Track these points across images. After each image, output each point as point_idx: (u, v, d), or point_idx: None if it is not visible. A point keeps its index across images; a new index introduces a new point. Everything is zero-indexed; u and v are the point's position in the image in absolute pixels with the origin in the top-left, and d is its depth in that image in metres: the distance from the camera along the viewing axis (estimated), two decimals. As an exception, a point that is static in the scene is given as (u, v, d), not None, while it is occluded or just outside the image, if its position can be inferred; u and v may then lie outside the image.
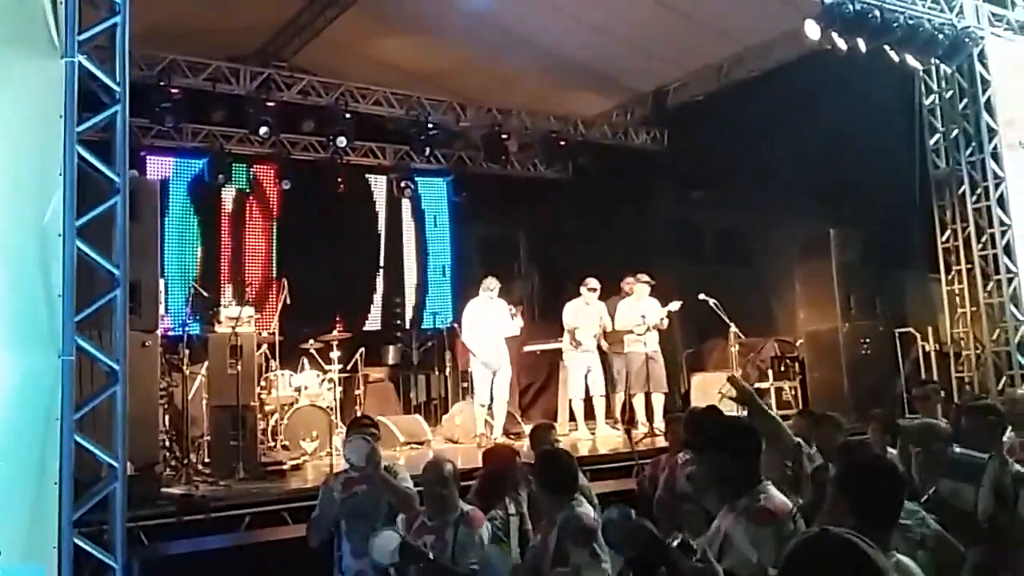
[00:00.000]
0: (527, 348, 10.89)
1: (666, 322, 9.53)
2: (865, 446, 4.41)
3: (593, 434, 9.43)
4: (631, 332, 9.45)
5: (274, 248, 12.10)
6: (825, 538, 1.84)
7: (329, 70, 11.00)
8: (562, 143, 12.48)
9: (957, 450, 4.06)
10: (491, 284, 9.26)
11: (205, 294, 8.93)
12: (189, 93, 9.85)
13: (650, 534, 2.79)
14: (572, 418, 9.83)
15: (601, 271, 9.95)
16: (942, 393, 7.82)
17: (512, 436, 9.12)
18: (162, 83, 9.47)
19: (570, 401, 9.78)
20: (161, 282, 6.93)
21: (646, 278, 9.62)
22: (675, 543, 2.85)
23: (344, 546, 4.34)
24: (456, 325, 10.28)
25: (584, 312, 9.54)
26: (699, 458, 3.37)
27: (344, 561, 4.33)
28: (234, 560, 5.40)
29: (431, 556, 3.71)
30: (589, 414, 9.59)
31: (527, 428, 8.06)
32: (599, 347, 9.69)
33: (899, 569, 2.41)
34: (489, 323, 9.11)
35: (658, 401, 9.46)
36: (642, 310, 9.43)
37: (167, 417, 7.69)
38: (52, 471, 3.87)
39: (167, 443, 7.54)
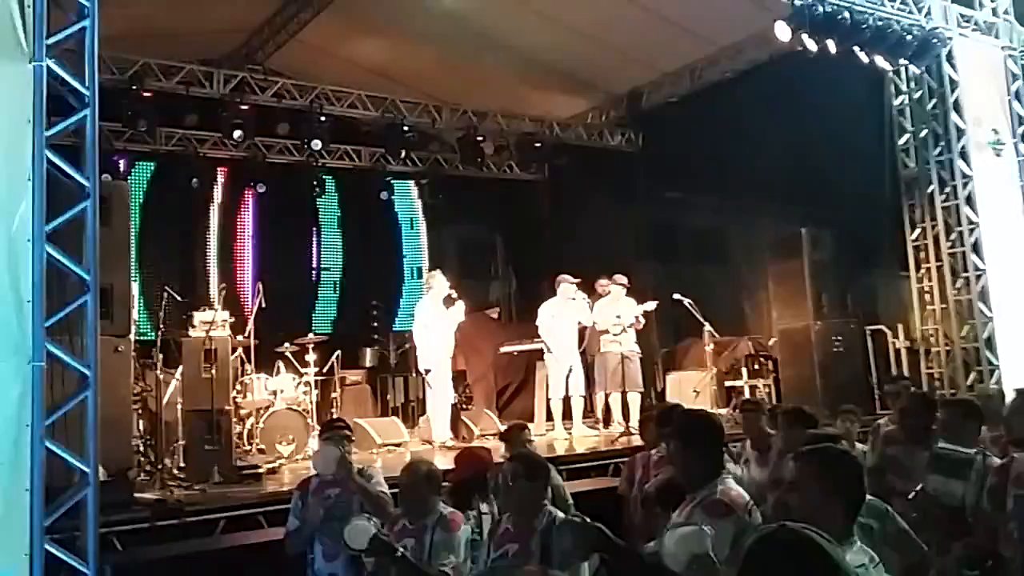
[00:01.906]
0: (504, 349, 10.92)
1: (642, 322, 9.59)
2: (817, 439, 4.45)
3: (570, 434, 9.47)
4: (607, 332, 9.51)
5: (249, 251, 12.05)
6: (783, 533, 1.87)
7: (303, 73, 10.99)
8: (537, 145, 12.51)
9: (943, 445, 4.11)
10: (433, 278, 9.13)
11: (179, 298, 8.88)
12: (162, 96, 9.78)
13: (599, 533, 2.87)
14: (549, 418, 9.86)
15: (577, 272, 10.00)
16: (912, 389, 7.94)
17: (489, 436, 9.14)
18: (134, 87, 9.39)
19: (548, 401, 9.82)
20: (134, 286, 6.87)
21: (623, 279, 9.66)
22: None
23: (316, 548, 4.33)
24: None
25: (561, 310, 9.55)
26: (676, 442, 3.43)
27: (316, 564, 4.32)
28: (209, 565, 5.36)
29: (402, 552, 3.72)
30: (566, 413, 9.63)
31: (503, 428, 8.08)
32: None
33: (863, 552, 2.47)
34: (442, 322, 8.95)
35: (634, 400, 9.50)
36: (618, 310, 9.49)
37: (141, 422, 7.64)
38: (23, 478, 3.85)
39: (141, 448, 7.50)
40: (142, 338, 8.26)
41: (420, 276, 13.28)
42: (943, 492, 3.85)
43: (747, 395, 10.24)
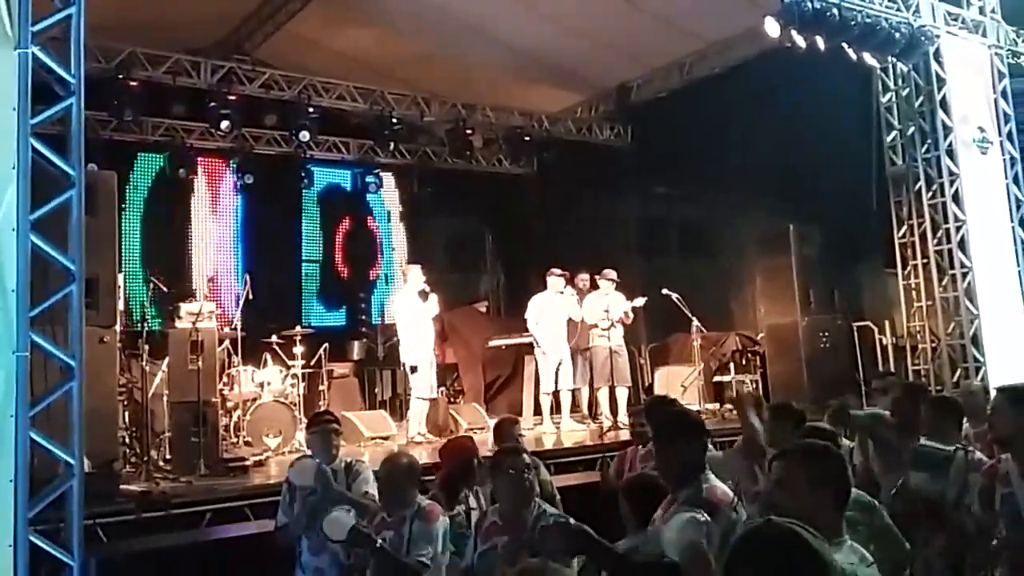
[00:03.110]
0: (492, 342, 10.91)
1: (631, 317, 9.60)
2: (812, 432, 4.47)
3: (558, 428, 9.48)
4: (596, 327, 9.51)
5: (236, 243, 11.99)
6: (769, 528, 1.87)
7: (291, 64, 10.92)
8: (526, 138, 12.50)
9: (924, 442, 4.14)
10: (408, 272, 9.17)
11: (165, 289, 8.83)
12: (149, 86, 9.70)
13: (584, 535, 2.87)
14: (537, 412, 9.87)
15: (566, 266, 10.00)
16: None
17: (477, 430, 9.13)
18: (120, 76, 9.32)
19: (537, 395, 9.82)
20: (120, 277, 6.82)
21: (612, 274, 9.66)
22: None
23: (303, 542, 4.32)
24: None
25: (550, 304, 9.55)
26: (656, 441, 3.43)
27: (303, 557, 4.31)
28: (195, 557, 5.35)
29: (380, 544, 3.72)
30: (555, 408, 9.64)
31: (492, 422, 8.08)
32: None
33: (853, 551, 2.47)
34: (420, 315, 8.96)
35: (622, 395, 9.51)
36: (606, 305, 9.49)
37: (127, 413, 7.59)
38: (7, 468, 3.83)
39: (127, 440, 7.44)
40: (128, 329, 8.21)
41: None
42: (924, 488, 3.88)
43: (734, 390, 10.29)
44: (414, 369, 8.85)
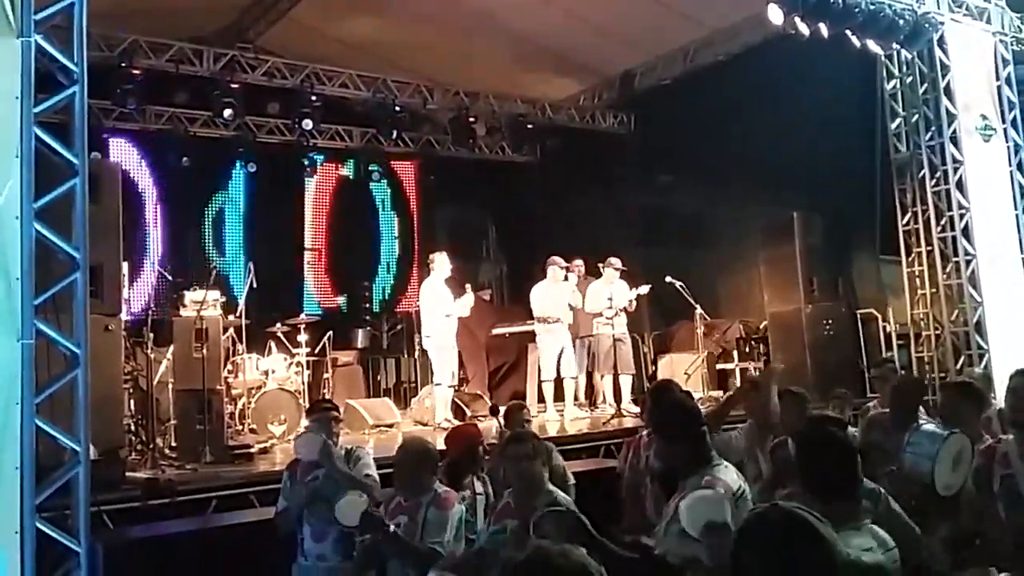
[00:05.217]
0: (496, 330, 10.94)
1: (634, 305, 9.61)
2: (823, 420, 4.46)
3: (561, 415, 9.50)
4: (600, 315, 9.53)
5: (240, 231, 11.99)
6: (775, 512, 1.89)
7: (294, 52, 10.90)
8: (530, 126, 12.46)
9: (923, 425, 4.12)
10: (435, 259, 9.25)
11: (170, 277, 8.86)
12: (151, 74, 9.67)
13: (579, 523, 2.89)
14: (541, 399, 9.90)
15: (569, 254, 10.01)
16: (899, 373, 7.98)
17: (481, 418, 9.16)
18: (123, 64, 9.30)
19: (540, 383, 9.85)
20: (124, 265, 6.84)
21: (617, 262, 9.67)
22: None
23: (305, 529, 4.34)
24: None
25: (552, 292, 9.57)
26: (656, 436, 3.44)
27: (305, 544, 4.34)
28: (200, 544, 5.37)
29: (392, 529, 3.74)
30: (558, 395, 9.67)
31: (503, 408, 8.09)
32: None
33: (875, 536, 2.49)
34: (447, 303, 9.08)
35: (625, 383, 9.55)
36: (610, 293, 9.50)
37: (132, 401, 7.64)
38: (13, 455, 3.85)
39: (132, 427, 7.49)
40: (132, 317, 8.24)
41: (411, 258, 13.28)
42: (911, 471, 3.86)
43: (738, 378, 10.31)
44: (440, 355, 8.94)
